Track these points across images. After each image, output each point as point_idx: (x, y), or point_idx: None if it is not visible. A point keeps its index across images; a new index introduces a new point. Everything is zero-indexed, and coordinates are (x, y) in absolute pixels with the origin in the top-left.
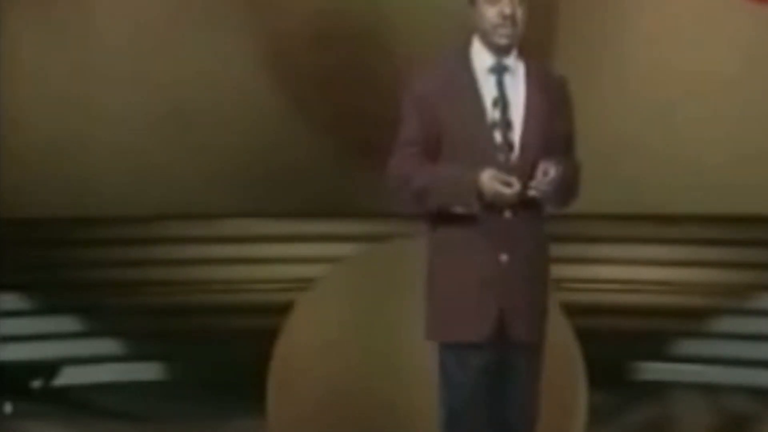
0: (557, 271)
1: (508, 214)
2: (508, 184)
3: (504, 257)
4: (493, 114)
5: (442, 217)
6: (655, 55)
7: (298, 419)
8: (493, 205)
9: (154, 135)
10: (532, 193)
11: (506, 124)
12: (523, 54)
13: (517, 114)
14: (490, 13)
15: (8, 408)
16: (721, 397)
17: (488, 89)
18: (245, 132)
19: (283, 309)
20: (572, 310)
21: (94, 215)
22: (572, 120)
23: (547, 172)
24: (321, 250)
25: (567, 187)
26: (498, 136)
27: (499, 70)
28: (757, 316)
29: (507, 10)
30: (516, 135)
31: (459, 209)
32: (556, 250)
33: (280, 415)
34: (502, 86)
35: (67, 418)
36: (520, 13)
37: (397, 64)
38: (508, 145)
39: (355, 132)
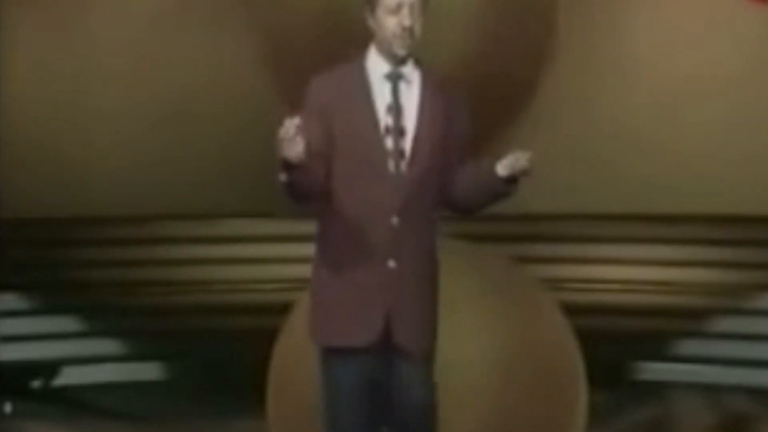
0: (557, 271)
1: (395, 219)
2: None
3: (392, 263)
4: (386, 120)
5: (330, 220)
6: (655, 55)
7: (298, 419)
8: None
9: (154, 135)
10: (502, 170)
11: (399, 131)
12: (420, 63)
13: (410, 121)
14: (390, 24)
15: (8, 408)
16: (721, 397)
17: (383, 96)
18: (245, 132)
19: (283, 309)
20: (572, 310)
21: (94, 215)
22: (468, 128)
23: (523, 166)
24: None
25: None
26: (389, 143)
27: (395, 77)
28: (757, 316)
29: (406, 22)
30: (408, 142)
31: (283, 177)
32: (556, 250)
33: (280, 415)
34: (396, 93)
35: (67, 418)
36: (419, 25)
37: None
38: (399, 152)
39: None
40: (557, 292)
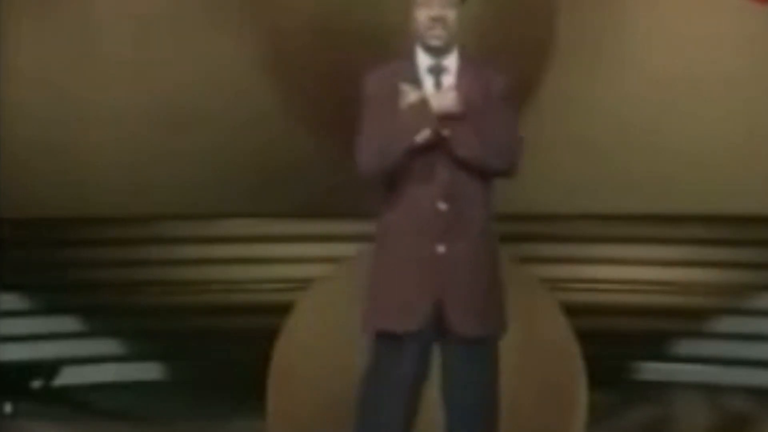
0: (557, 271)
1: (442, 205)
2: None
3: (441, 248)
4: None
5: (385, 207)
6: (655, 54)
7: (298, 419)
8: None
9: (153, 135)
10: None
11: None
12: (463, 54)
13: None
14: (421, 16)
15: (8, 408)
16: (721, 397)
17: (428, 89)
18: (245, 131)
19: (283, 309)
20: (572, 310)
21: (94, 215)
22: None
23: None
24: (321, 250)
25: (490, 139)
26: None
27: (437, 71)
28: (757, 316)
29: (433, 13)
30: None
31: (422, 137)
32: (556, 250)
33: (280, 415)
34: (439, 87)
35: (67, 418)
36: (451, 15)
37: None
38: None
39: (355, 131)
40: (557, 292)
